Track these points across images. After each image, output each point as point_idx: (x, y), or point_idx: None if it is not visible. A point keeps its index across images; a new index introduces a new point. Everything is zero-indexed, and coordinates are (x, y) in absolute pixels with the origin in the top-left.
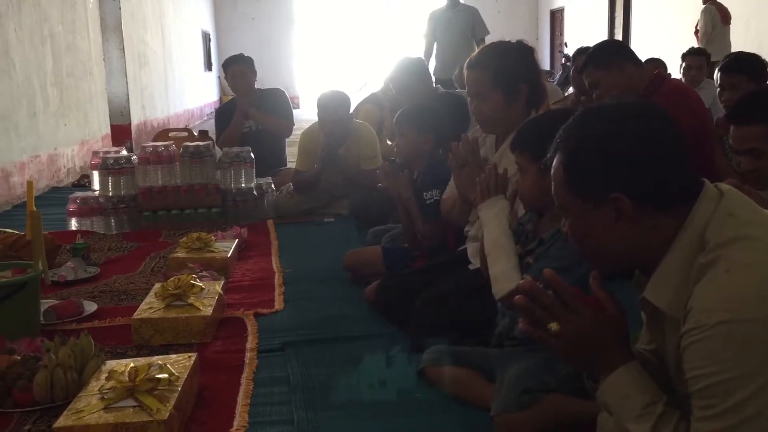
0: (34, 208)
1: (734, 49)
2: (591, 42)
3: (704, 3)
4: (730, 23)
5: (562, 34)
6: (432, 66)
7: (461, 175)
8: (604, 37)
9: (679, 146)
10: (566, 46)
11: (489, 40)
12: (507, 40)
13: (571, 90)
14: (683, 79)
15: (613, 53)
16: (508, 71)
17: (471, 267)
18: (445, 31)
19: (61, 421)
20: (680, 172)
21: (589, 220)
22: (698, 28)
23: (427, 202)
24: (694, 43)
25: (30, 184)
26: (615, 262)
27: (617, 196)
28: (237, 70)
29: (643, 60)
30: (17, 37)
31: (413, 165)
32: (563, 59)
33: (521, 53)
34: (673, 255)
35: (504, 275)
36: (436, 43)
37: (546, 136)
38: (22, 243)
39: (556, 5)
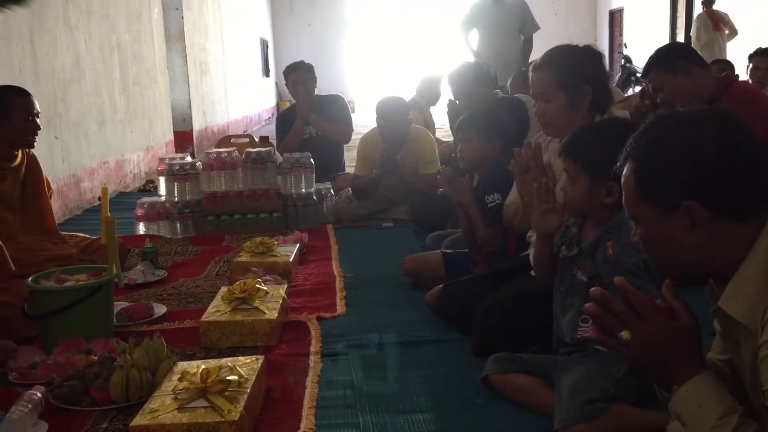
0: (109, 214)
1: None
2: (651, 43)
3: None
4: (722, 29)
5: (621, 35)
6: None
7: (524, 181)
8: (665, 37)
9: (754, 153)
10: (626, 47)
11: (544, 41)
12: (574, 44)
13: (631, 91)
14: (750, 81)
15: (678, 56)
16: (572, 72)
17: (533, 273)
18: (487, 27)
19: (138, 420)
20: (755, 179)
21: (662, 229)
22: (691, 35)
23: (489, 206)
24: (763, 43)
25: (104, 190)
26: (688, 271)
27: (691, 204)
28: (298, 77)
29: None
30: (87, 47)
31: (476, 170)
32: (623, 60)
33: (587, 56)
34: (749, 264)
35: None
36: (478, 37)
37: (597, 145)
38: (95, 247)
39: (615, 5)
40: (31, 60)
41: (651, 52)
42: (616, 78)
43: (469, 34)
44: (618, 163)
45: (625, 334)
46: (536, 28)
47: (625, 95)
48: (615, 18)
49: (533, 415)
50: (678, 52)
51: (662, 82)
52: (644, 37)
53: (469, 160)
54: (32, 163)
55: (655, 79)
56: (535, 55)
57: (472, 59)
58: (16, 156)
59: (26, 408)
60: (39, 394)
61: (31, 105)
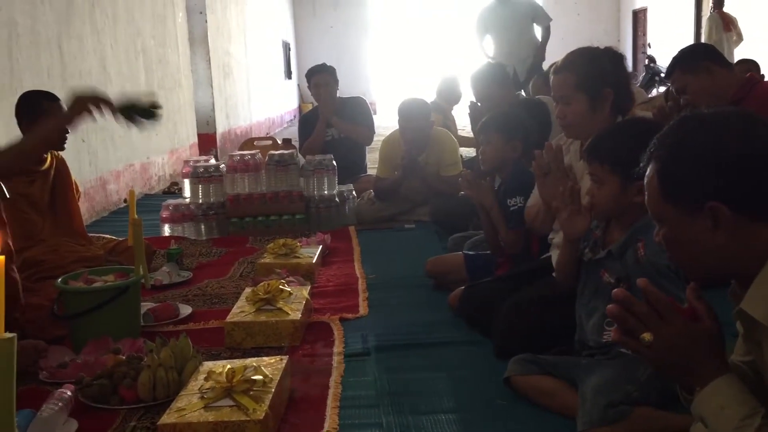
0: (136, 216)
1: None
2: (675, 43)
3: (712, 11)
4: (731, 30)
5: (645, 34)
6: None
7: (545, 183)
8: (690, 37)
9: None
10: (649, 47)
11: (567, 42)
12: (595, 45)
13: (655, 92)
14: None
15: (701, 56)
16: (593, 75)
17: (555, 275)
18: (498, 29)
19: (165, 419)
20: None
21: (685, 230)
22: (702, 33)
23: (511, 209)
24: None
25: (131, 193)
26: (710, 272)
27: (715, 205)
28: (320, 80)
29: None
30: (113, 51)
31: (498, 172)
32: (646, 60)
33: (608, 58)
34: None
35: None
36: (492, 41)
37: (626, 145)
38: (121, 248)
39: (639, 5)
40: (59, 64)
41: (675, 53)
42: (640, 78)
43: (484, 40)
44: (641, 164)
45: (647, 336)
46: (548, 19)
47: (649, 96)
48: (638, 18)
49: (555, 417)
50: (702, 52)
51: (686, 83)
52: (668, 37)
53: (491, 162)
54: (61, 166)
55: (678, 80)
56: (555, 57)
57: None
58: (46, 159)
59: (57, 406)
60: (69, 393)
61: (60, 109)
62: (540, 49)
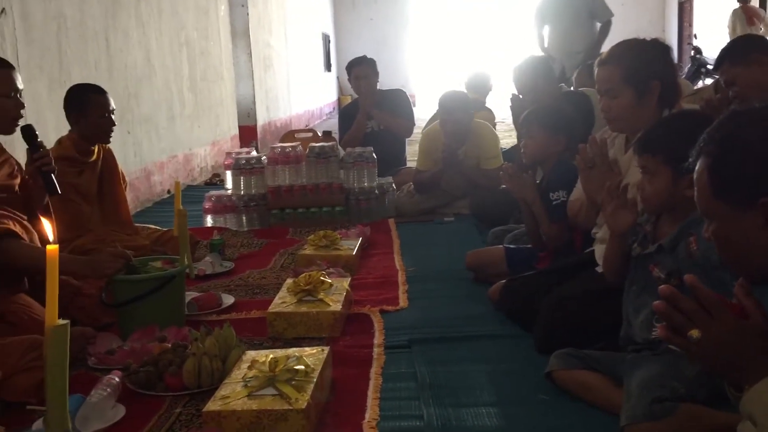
0: (181, 207)
1: None
2: (722, 34)
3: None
4: (756, 24)
5: (691, 25)
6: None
7: (589, 177)
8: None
9: None
10: (695, 38)
11: (611, 33)
12: (640, 37)
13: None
14: None
15: (752, 48)
16: (640, 68)
17: (598, 269)
18: (555, 19)
19: (210, 406)
20: None
21: (735, 227)
22: (727, 27)
23: (554, 203)
24: None
25: (177, 184)
26: (760, 269)
27: (766, 201)
28: (360, 72)
29: None
30: (158, 44)
31: (540, 166)
32: (692, 52)
33: (655, 50)
34: None
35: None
36: (548, 30)
37: (679, 138)
38: (166, 238)
39: None
40: (105, 57)
41: (722, 44)
42: (685, 70)
43: (543, 30)
44: (690, 159)
45: (694, 333)
46: (609, 13)
47: (695, 88)
48: (684, 8)
49: (597, 412)
50: (753, 44)
51: (735, 76)
52: (715, 28)
53: (533, 155)
54: (108, 157)
55: (727, 72)
56: (604, 48)
57: (538, 53)
58: (93, 151)
59: (105, 392)
60: (117, 379)
61: (107, 102)
62: (594, 46)
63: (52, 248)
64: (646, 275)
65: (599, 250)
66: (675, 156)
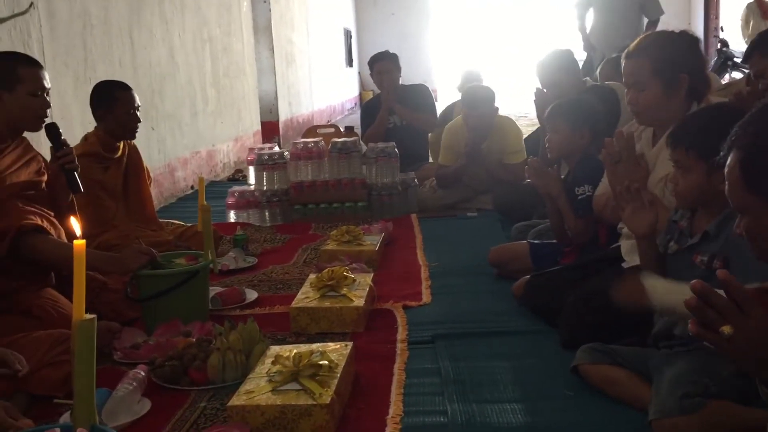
0: (205, 202)
1: None
2: None
3: None
4: None
5: (717, 18)
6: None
7: (615, 171)
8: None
9: None
10: (722, 31)
11: None
12: (668, 30)
13: (727, 77)
14: None
15: None
16: (668, 60)
17: (624, 265)
18: (603, 8)
19: (234, 400)
20: None
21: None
22: (740, 20)
23: (579, 197)
24: None
25: (201, 180)
26: None
27: None
28: (383, 67)
29: None
30: (181, 41)
31: (565, 160)
32: (719, 44)
33: (684, 42)
34: None
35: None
36: (593, 19)
37: (713, 131)
38: (190, 233)
39: None
40: (130, 54)
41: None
42: (712, 63)
43: (586, 14)
44: (722, 152)
45: (726, 329)
46: (660, 11)
47: (723, 81)
48: (710, 0)
49: (624, 408)
50: None
51: (765, 67)
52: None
53: (557, 150)
54: (133, 153)
55: (757, 64)
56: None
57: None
58: (119, 147)
59: (131, 386)
60: (143, 373)
61: (132, 98)
62: None
63: (80, 243)
64: (685, 271)
65: (625, 246)
66: (709, 150)
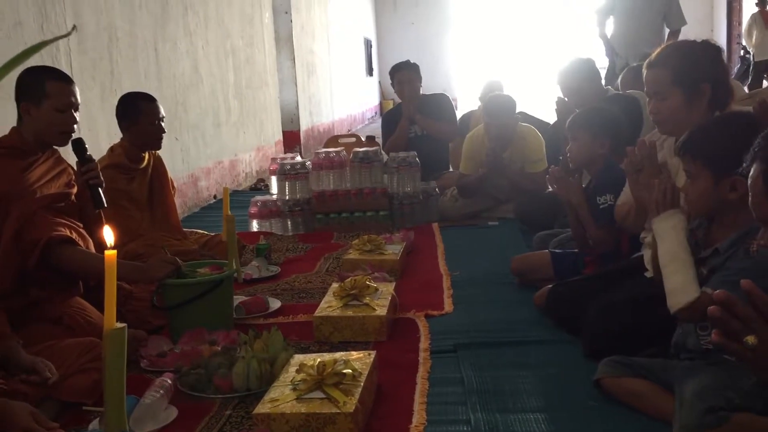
0: (229, 212)
1: None
2: None
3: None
4: None
5: (740, 24)
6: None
7: (637, 180)
8: None
9: None
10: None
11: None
12: (690, 39)
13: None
14: None
15: None
16: (690, 70)
17: (647, 275)
18: (625, 14)
19: (259, 408)
20: None
21: None
22: (743, 31)
23: (601, 206)
24: None
25: (226, 190)
26: None
27: None
28: (404, 77)
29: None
30: (204, 53)
31: (587, 170)
32: (741, 52)
33: (705, 52)
34: None
35: (682, 288)
36: (614, 25)
37: (719, 140)
38: (213, 242)
39: None
40: (155, 66)
41: None
42: (734, 70)
43: (607, 21)
44: (745, 163)
45: (750, 339)
46: (682, 21)
47: (747, 90)
48: (733, 7)
49: (648, 420)
50: None
51: None
52: None
53: (578, 159)
54: (158, 163)
55: None
56: None
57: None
58: (144, 158)
59: (158, 393)
60: (169, 381)
61: (157, 110)
62: None
63: (111, 254)
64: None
65: (648, 255)
66: (714, 159)
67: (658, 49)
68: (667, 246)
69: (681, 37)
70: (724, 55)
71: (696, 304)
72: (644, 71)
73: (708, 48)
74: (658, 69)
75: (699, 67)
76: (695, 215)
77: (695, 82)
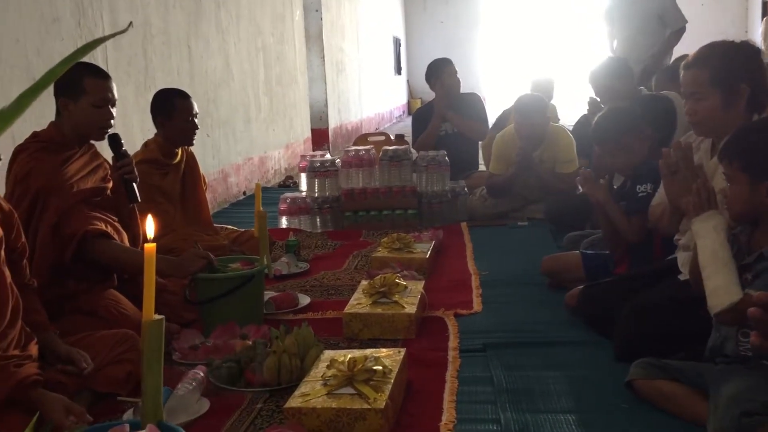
0: (261, 209)
1: None
2: None
3: None
4: None
5: None
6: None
7: (673, 182)
8: None
9: None
10: None
11: (691, 34)
12: (727, 39)
13: None
14: None
15: None
16: (728, 71)
17: (680, 277)
18: (620, 22)
19: (290, 403)
20: None
21: None
22: (760, 34)
23: (639, 195)
24: None
25: (258, 186)
26: None
27: None
28: (452, 70)
29: None
30: (236, 50)
31: (620, 172)
32: None
33: (744, 52)
34: None
35: (724, 289)
36: (616, 35)
37: (757, 144)
38: (244, 238)
39: None
40: (187, 63)
41: None
42: None
43: (612, 30)
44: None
45: None
46: (681, 20)
47: None
48: None
49: (681, 424)
50: None
51: None
52: None
53: (629, 167)
54: (190, 159)
55: None
56: (679, 49)
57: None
58: (177, 153)
59: (191, 385)
60: (202, 374)
61: (191, 106)
62: (656, 54)
63: (150, 247)
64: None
65: (682, 258)
66: (752, 163)
67: (696, 51)
68: (709, 246)
69: (715, 38)
70: (763, 56)
71: (738, 305)
72: (681, 71)
73: (746, 48)
74: (696, 69)
75: (737, 67)
76: (735, 220)
77: (733, 82)
